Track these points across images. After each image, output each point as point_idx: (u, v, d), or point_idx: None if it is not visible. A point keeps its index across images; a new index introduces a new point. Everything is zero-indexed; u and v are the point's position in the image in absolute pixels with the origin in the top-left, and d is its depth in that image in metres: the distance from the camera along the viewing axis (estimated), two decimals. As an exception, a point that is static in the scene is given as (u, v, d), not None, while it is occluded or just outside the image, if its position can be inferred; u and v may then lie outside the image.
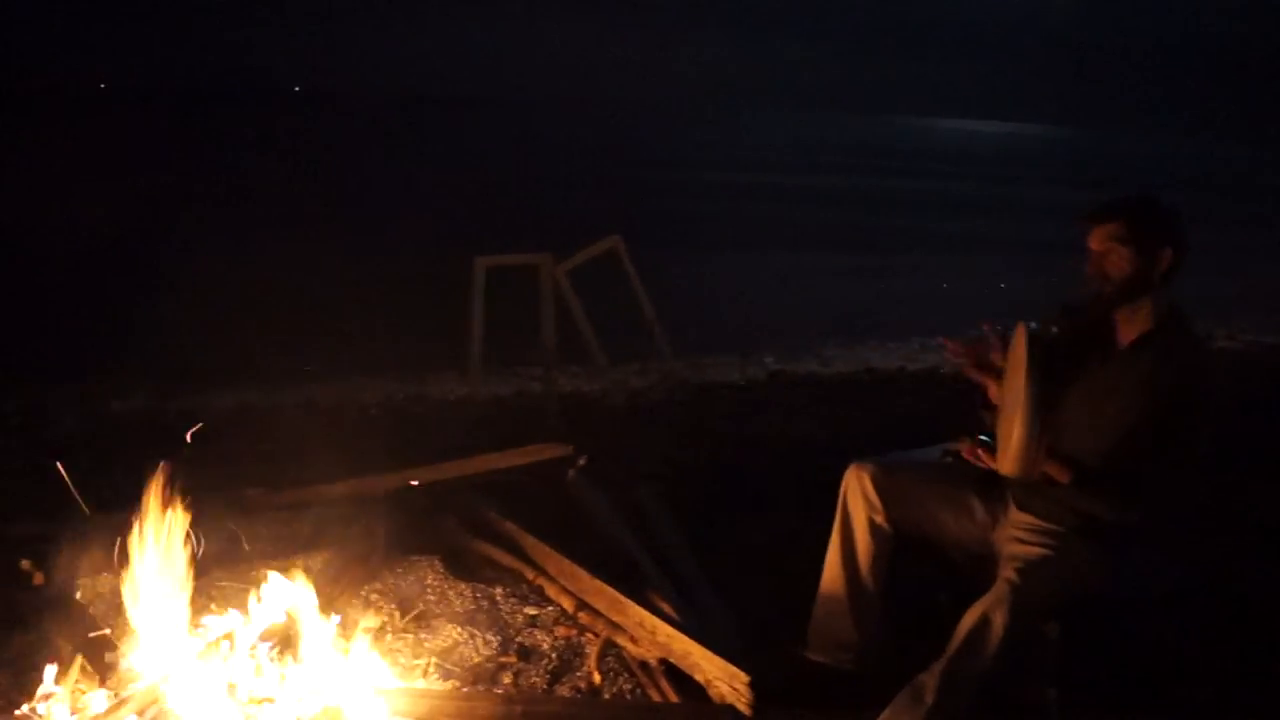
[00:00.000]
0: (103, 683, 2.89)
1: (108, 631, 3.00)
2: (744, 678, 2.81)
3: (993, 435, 2.82)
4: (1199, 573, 3.53)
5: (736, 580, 3.67)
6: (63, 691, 2.89)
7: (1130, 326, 2.81)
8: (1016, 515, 2.90)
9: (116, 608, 3.06)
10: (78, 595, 3.40)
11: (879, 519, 3.05)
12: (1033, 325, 2.72)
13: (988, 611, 2.64)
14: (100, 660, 2.95)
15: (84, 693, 2.89)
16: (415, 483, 4.11)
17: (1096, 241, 2.77)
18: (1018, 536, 2.86)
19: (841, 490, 3.12)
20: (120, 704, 2.63)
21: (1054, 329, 2.85)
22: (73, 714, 2.83)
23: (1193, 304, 2.82)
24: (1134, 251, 2.72)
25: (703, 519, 4.20)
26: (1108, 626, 2.90)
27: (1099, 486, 2.73)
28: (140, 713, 2.59)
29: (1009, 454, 2.63)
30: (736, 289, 9.28)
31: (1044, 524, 2.83)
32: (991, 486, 3.02)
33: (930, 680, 2.65)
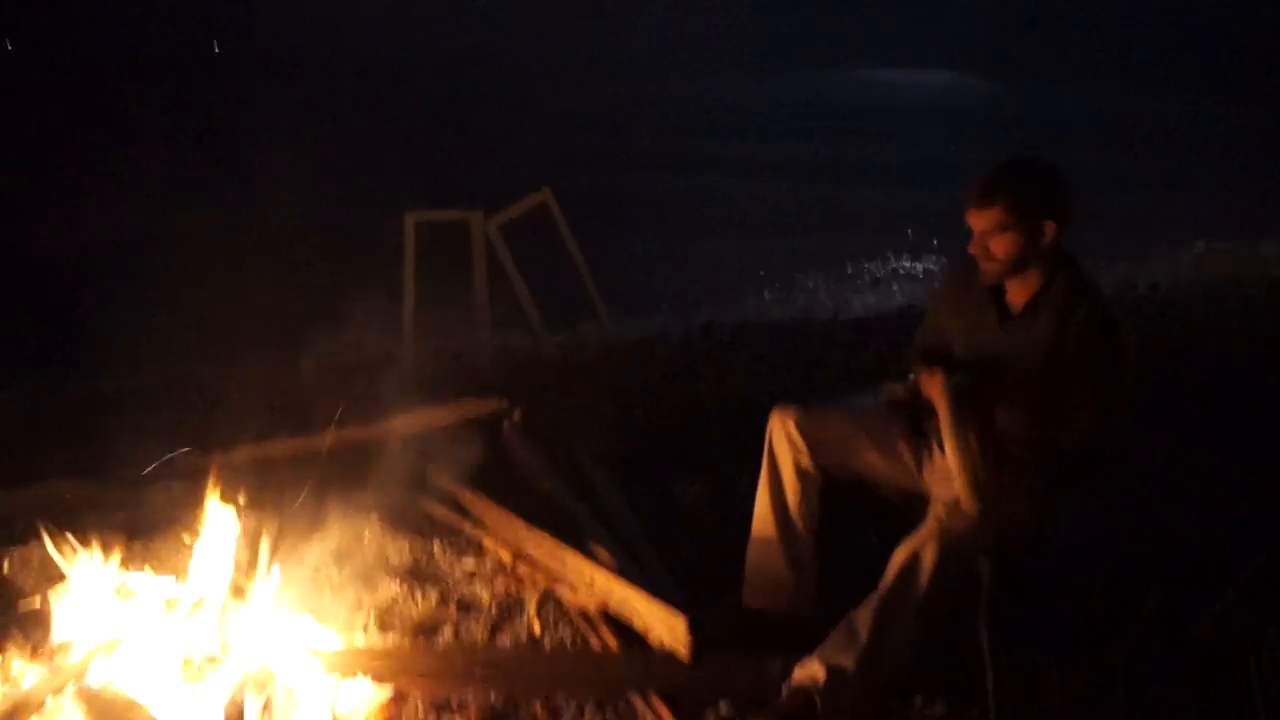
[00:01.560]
0: (35, 653, 2.86)
1: (37, 602, 2.96)
2: (682, 623, 2.84)
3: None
4: (1128, 517, 3.62)
5: (673, 535, 3.69)
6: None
7: (1021, 289, 2.84)
8: (943, 458, 2.96)
9: (46, 578, 3.03)
10: (4, 567, 3.35)
11: (805, 461, 3.07)
12: (954, 380, 2.75)
13: (918, 549, 2.69)
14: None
15: (13, 659, 2.86)
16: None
17: (976, 224, 2.77)
18: (946, 476, 2.91)
19: (767, 435, 3.14)
20: (55, 672, 2.60)
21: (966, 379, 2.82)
22: (4, 684, 2.80)
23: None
24: (1016, 233, 2.73)
25: (638, 474, 4.21)
26: (1038, 569, 2.97)
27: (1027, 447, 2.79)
28: (76, 679, 2.57)
29: (963, 497, 2.71)
30: (670, 250, 9.27)
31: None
32: (919, 428, 3.08)
33: (863, 618, 2.69)
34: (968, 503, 2.69)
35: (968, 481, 2.68)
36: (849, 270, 9.17)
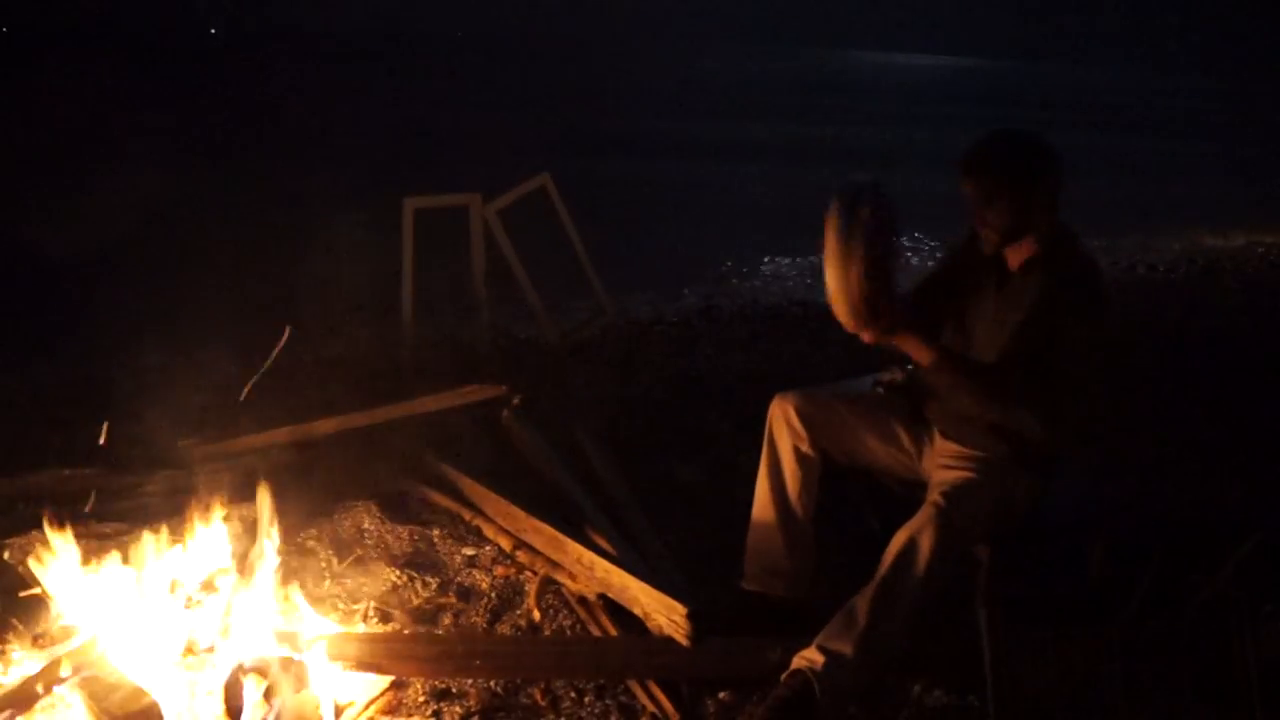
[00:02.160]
0: (35, 642, 2.86)
1: (38, 591, 2.96)
2: (681, 610, 2.85)
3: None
4: (1124, 495, 3.63)
5: (674, 516, 3.70)
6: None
7: (1018, 253, 2.86)
8: (942, 444, 2.96)
9: (47, 566, 3.02)
10: (5, 555, 3.35)
11: (805, 447, 3.08)
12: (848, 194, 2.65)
13: (915, 535, 2.69)
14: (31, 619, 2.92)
15: (14, 649, 2.87)
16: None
17: (969, 194, 2.80)
18: (944, 464, 2.92)
19: (767, 421, 3.15)
20: (55, 662, 2.61)
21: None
22: (4, 673, 2.81)
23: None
24: (1008, 203, 2.76)
25: (639, 456, 4.22)
26: (1036, 550, 2.97)
27: (1014, 408, 2.79)
28: (76, 669, 2.57)
29: (835, 305, 2.66)
30: (669, 232, 9.24)
31: (970, 451, 2.88)
32: (918, 415, 3.08)
33: (862, 603, 2.69)
34: (838, 310, 2.65)
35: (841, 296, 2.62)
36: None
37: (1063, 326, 2.73)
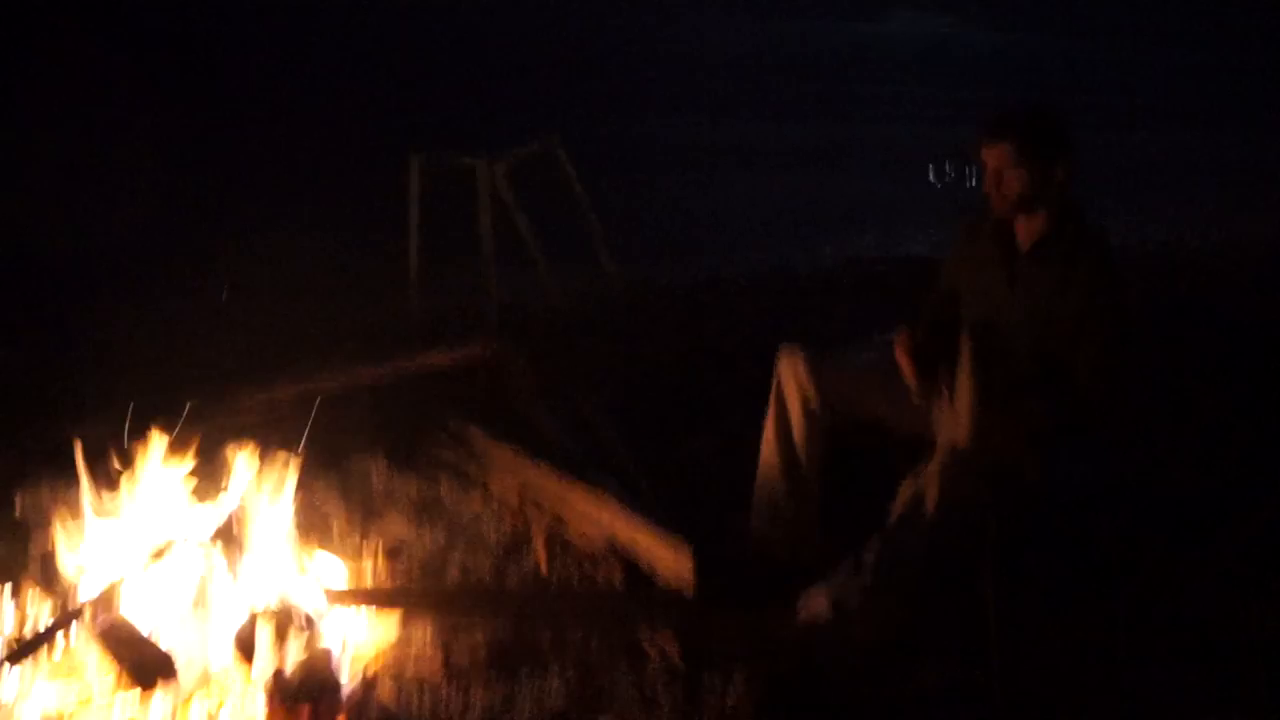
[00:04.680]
0: (50, 592, 2.89)
1: (50, 545, 2.98)
2: (688, 559, 2.87)
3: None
4: (1132, 468, 3.64)
5: (678, 483, 3.70)
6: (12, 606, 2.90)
7: (1029, 231, 2.87)
8: (950, 401, 2.96)
9: (58, 516, 3.04)
10: (16, 507, 3.38)
11: (812, 402, 3.09)
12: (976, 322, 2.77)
13: (922, 490, 2.71)
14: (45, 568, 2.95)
15: (31, 599, 2.89)
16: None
17: (989, 160, 2.82)
18: (953, 421, 2.92)
19: (775, 375, 3.16)
20: (71, 613, 2.63)
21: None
22: (22, 621, 2.84)
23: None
24: (1026, 171, 2.78)
25: (644, 422, 4.22)
26: (1042, 522, 2.98)
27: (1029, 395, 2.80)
28: (93, 618, 2.60)
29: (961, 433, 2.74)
30: (678, 196, 9.16)
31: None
32: (927, 371, 3.08)
33: (869, 556, 2.72)
34: (964, 438, 2.72)
35: (972, 420, 2.69)
36: (860, 218, 9.11)
37: (1081, 308, 2.74)
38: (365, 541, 3.33)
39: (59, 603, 2.80)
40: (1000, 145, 2.79)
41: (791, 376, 3.11)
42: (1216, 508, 3.51)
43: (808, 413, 3.10)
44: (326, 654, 2.60)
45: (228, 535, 2.84)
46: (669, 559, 2.91)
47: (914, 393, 2.88)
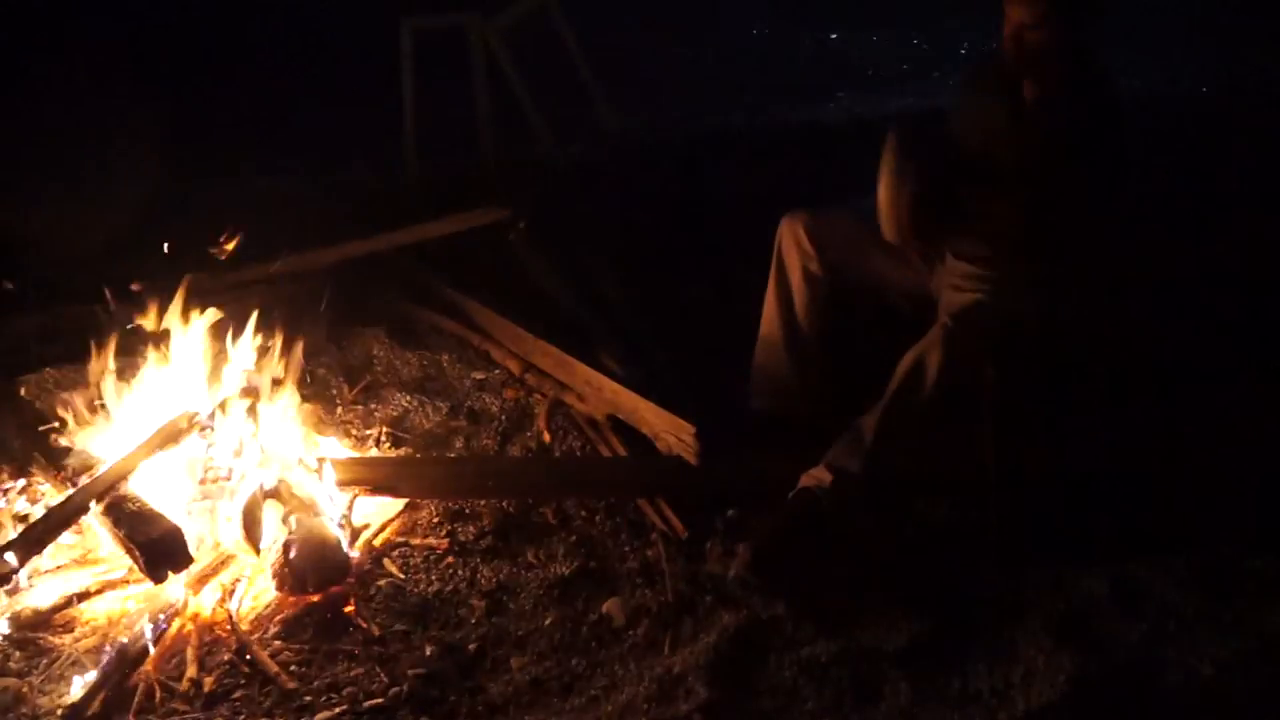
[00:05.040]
0: (58, 474, 2.92)
1: (56, 425, 3.00)
2: (690, 429, 2.87)
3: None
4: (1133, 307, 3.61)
5: (681, 336, 3.69)
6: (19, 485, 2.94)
7: (1038, 83, 2.76)
8: (952, 263, 2.91)
9: (62, 400, 3.06)
10: (21, 391, 3.39)
11: (813, 266, 3.05)
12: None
13: (923, 355, 2.68)
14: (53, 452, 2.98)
15: (40, 483, 2.93)
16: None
17: (1015, 13, 2.66)
18: (954, 284, 2.88)
19: (776, 241, 3.11)
20: (80, 491, 2.66)
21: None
22: (32, 504, 2.88)
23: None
24: (1052, 33, 2.63)
25: (646, 277, 4.19)
26: (1042, 366, 2.97)
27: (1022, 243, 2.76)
28: (99, 498, 2.62)
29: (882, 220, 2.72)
30: (678, 50, 8.88)
31: (980, 270, 2.84)
32: (926, 228, 3.03)
33: (869, 422, 2.71)
34: (888, 234, 2.74)
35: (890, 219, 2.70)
36: (868, 72, 8.87)
37: (1081, 152, 2.67)
38: (368, 416, 3.35)
39: (68, 484, 2.84)
40: (1031, 5, 2.62)
41: (793, 243, 3.07)
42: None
43: (809, 278, 3.06)
44: (333, 533, 2.63)
45: (233, 413, 2.86)
46: (671, 430, 2.92)
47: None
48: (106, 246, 4.35)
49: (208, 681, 2.31)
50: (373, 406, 3.40)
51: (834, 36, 9.57)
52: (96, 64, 6.12)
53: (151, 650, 2.36)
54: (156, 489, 2.72)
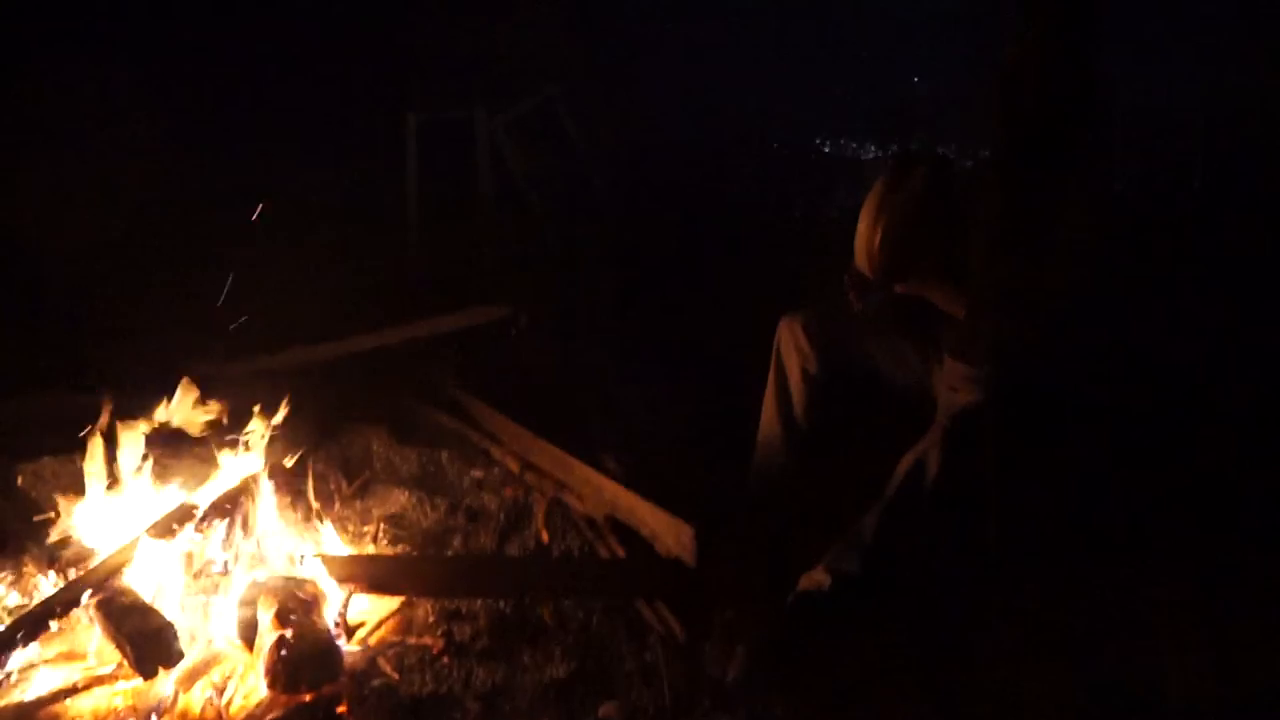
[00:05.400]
0: (51, 566, 2.90)
1: (52, 515, 2.99)
2: (689, 530, 2.86)
3: None
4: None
5: (681, 433, 3.70)
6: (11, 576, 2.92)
7: None
8: (951, 365, 2.93)
9: (59, 490, 3.06)
10: (19, 479, 3.38)
11: (812, 366, 3.07)
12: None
13: (923, 456, 2.69)
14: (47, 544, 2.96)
15: (33, 575, 2.91)
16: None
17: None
18: (952, 385, 2.90)
19: (775, 342, 3.14)
20: (71, 584, 2.64)
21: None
22: (24, 598, 2.85)
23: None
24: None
25: (646, 372, 4.20)
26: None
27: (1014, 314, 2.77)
28: (94, 591, 2.61)
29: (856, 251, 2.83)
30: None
31: (978, 371, 2.85)
32: (925, 331, 3.06)
33: (869, 522, 2.70)
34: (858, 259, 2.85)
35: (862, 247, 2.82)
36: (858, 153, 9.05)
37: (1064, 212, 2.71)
38: (366, 512, 3.34)
39: (61, 577, 2.82)
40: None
41: (791, 343, 3.09)
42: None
43: (807, 378, 3.08)
44: (327, 632, 2.60)
45: (229, 509, 2.85)
46: (670, 531, 2.90)
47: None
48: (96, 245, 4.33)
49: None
50: (371, 503, 3.39)
51: (841, 142, 9.73)
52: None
53: (139, 750, 2.32)
54: (149, 582, 2.70)
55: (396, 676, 2.60)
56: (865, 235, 2.82)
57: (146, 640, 2.44)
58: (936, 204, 2.81)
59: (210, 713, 2.46)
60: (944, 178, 2.82)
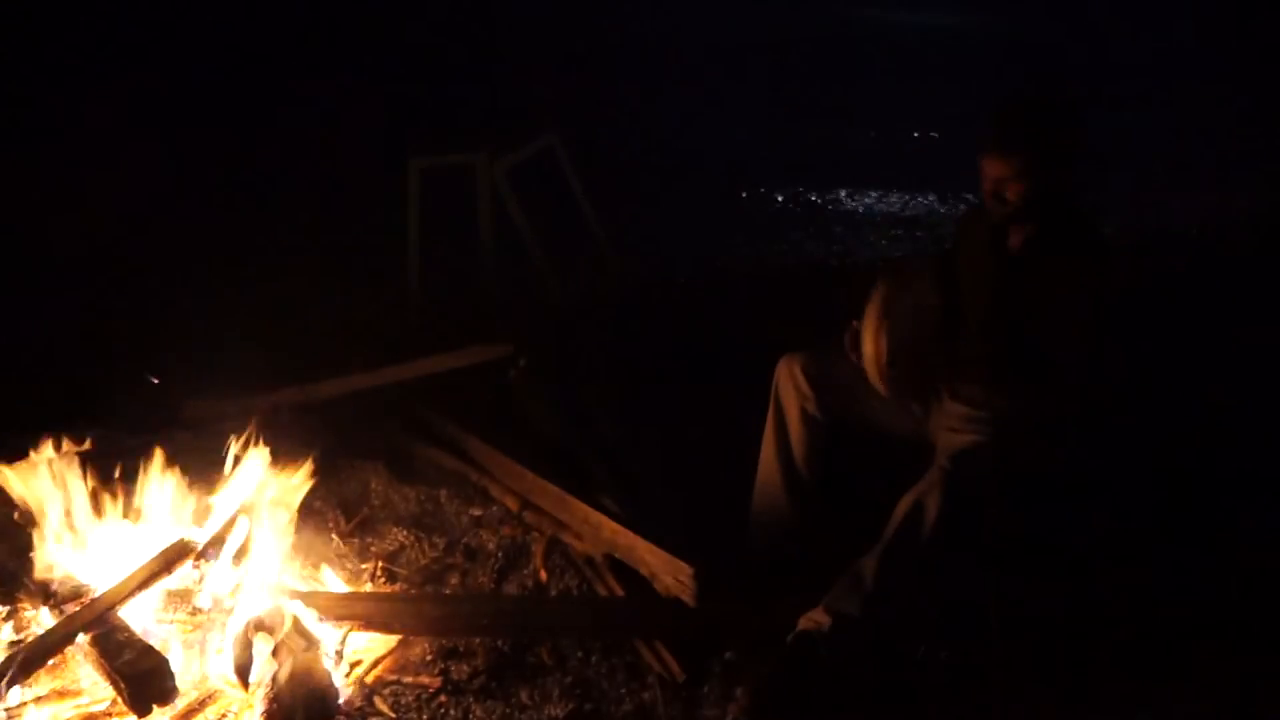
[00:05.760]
0: (46, 601, 2.88)
1: (48, 553, 2.97)
2: (688, 570, 2.86)
3: None
4: (1133, 458, 3.63)
5: (680, 474, 3.70)
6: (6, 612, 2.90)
7: (1023, 230, 2.83)
8: (950, 405, 2.95)
9: (55, 526, 3.04)
10: (15, 515, 3.36)
11: (811, 408, 3.08)
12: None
13: (922, 497, 2.69)
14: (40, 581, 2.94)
15: (26, 609, 2.89)
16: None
17: (994, 169, 2.73)
18: (951, 426, 2.91)
19: (774, 382, 3.15)
20: (69, 620, 2.63)
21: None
22: (18, 634, 2.83)
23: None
24: (1031, 185, 2.70)
25: (645, 417, 4.21)
26: (1040, 506, 2.97)
27: (1018, 385, 2.79)
28: (88, 629, 2.59)
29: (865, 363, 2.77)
30: (677, 193, 9.10)
31: (977, 412, 2.87)
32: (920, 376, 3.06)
33: (869, 564, 2.71)
34: (874, 384, 2.79)
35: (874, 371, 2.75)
36: (859, 210, 9.09)
37: (1070, 304, 2.72)
38: (363, 550, 3.33)
39: (56, 613, 2.80)
40: (1010, 159, 2.69)
41: (790, 385, 3.10)
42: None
43: (806, 419, 3.09)
44: (324, 670, 2.58)
45: (226, 545, 2.84)
46: (669, 571, 2.90)
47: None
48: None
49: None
50: (368, 540, 3.38)
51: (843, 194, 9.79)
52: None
53: (132, 788, 2.29)
54: (145, 618, 2.69)
55: (394, 715, 2.59)
56: (872, 355, 2.72)
57: (141, 677, 2.43)
58: (941, 301, 2.77)
59: (204, 751, 2.44)
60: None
